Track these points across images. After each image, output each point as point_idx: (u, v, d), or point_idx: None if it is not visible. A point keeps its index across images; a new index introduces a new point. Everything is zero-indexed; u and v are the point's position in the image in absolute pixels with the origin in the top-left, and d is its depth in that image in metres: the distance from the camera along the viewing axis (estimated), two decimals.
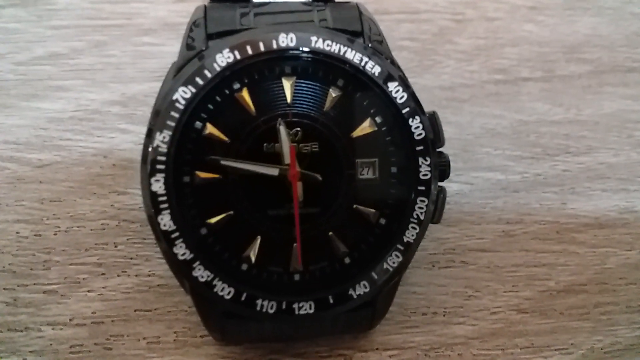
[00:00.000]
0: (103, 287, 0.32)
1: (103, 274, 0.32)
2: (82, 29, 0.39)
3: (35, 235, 0.33)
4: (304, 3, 0.30)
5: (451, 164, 0.31)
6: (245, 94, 0.28)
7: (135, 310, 0.32)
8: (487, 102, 0.38)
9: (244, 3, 0.29)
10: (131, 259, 0.32)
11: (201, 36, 0.28)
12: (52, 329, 0.31)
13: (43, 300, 0.32)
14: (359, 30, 0.28)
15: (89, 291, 0.32)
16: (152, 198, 0.26)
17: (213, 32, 0.28)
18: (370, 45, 0.28)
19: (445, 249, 0.34)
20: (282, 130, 0.28)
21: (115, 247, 0.33)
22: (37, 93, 0.36)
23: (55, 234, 0.33)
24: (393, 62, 0.28)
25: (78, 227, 0.33)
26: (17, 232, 0.33)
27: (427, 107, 0.36)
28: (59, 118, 0.36)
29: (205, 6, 0.29)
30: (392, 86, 0.27)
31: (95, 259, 0.32)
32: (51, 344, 0.31)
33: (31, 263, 0.32)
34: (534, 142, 0.37)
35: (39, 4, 0.39)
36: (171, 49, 0.40)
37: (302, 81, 0.28)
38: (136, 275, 0.32)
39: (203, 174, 0.28)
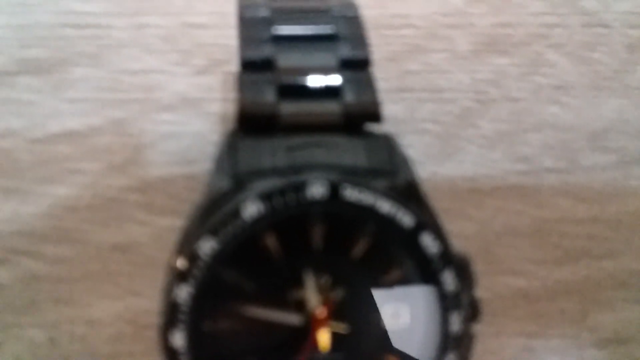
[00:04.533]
0: None
1: None
2: (100, 102, 0.35)
3: (50, 342, 0.30)
4: (335, 135, 0.26)
5: (473, 267, 0.28)
6: (271, 240, 0.25)
7: None
8: (509, 196, 0.35)
9: (276, 138, 0.25)
10: None
11: (228, 174, 0.25)
12: None
13: None
14: (390, 170, 0.25)
15: None
16: (170, 354, 0.23)
17: (242, 171, 0.25)
18: (402, 186, 0.25)
19: None
20: (309, 277, 0.24)
21: (132, 357, 0.30)
22: (53, 177, 0.34)
23: (70, 342, 0.30)
24: (426, 206, 0.25)
25: (93, 333, 0.30)
26: (30, 338, 0.30)
27: (449, 202, 0.34)
28: (76, 206, 0.33)
29: (233, 138, 0.26)
30: (423, 237, 0.25)
31: None
32: None
33: None
34: (556, 244, 0.34)
35: (55, 73, 0.36)
36: (190, 129, 0.37)
37: (330, 228, 0.25)
38: None
39: (224, 322, 0.25)
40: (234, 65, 0.30)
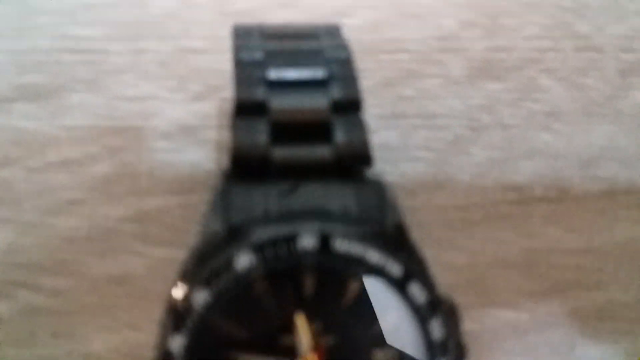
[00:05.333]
0: None
1: None
2: (97, 130, 0.36)
3: None
4: (327, 179, 0.27)
5: (462, 298, 0.28)
6: (263, 288, 0.26)
7: None
8: (499, 225, 0.35)
9: (268, 183, 0.26)
10: None
11: (221, 221, 0.25)
12: None
13: None
14: (380, 217, 0.26)
15: None
16: None
17: (235, 220, 0.25)
18: (391, 233, 0.25)
19: None
20: (300, 323, 0.25)
21: None
22: (51, 207, 0.34)
23: None
24: (414, 252, 0.26)
25: None
26: None
27: (441, 231, 0.34)
28: (73, 237, 0.33)
29: (227, 182, 0.26)
30: (411, 286, 0.25)
31: None
32: None
33: None
34: (545, 275, 0.34)
35: (52, 99, 0.36)
36: (187, 157, 0.37)
37: (321, 276, 0.25)
38: None
39: None
40: (229, 91, 0.30)
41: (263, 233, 0.25)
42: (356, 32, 0.40)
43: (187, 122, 0.36)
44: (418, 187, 0.36)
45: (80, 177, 0.35)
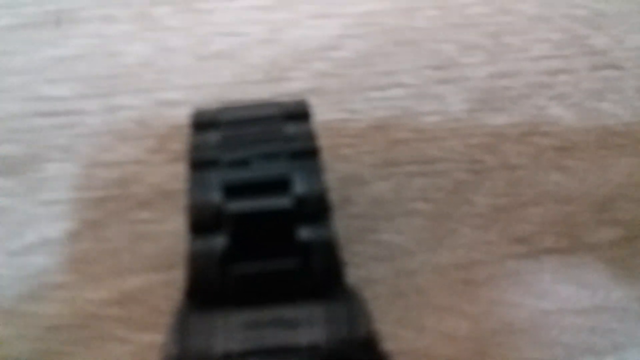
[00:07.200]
0: None
1: None
2: (76, 203, 0.33)
3: None
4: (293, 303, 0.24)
5: None
6: None
7: None
8: (506, 285, 0.32)
9: (229, 311, 0.23)
10: None
11: (177, 351, 0.23)
12: None
13: None
14: (350, 335, 0.23)
15: None
16: None
17: (192, 357, 0.23)
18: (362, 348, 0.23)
19: None
20: None
21: None
22: (33, 293, 0.32)
23: None
24: None
25: None
26: None
27: (442, 297, 0.32)
28: (57, 326, 0.31)
29: (184, 309, 0.24)
30: None
31: None
32: None
33: None
34: (555, 340, 0.31)
35: (28, 172, 0.34)
36: (167, 228, 0.34)
37: None
38: None
39: None
40: None
41: None
42: (344, 67, 0.36)
43: (168, 187, 0.34)
44: (415, 246, 0.33)
45: (60, 257, 0.33)
